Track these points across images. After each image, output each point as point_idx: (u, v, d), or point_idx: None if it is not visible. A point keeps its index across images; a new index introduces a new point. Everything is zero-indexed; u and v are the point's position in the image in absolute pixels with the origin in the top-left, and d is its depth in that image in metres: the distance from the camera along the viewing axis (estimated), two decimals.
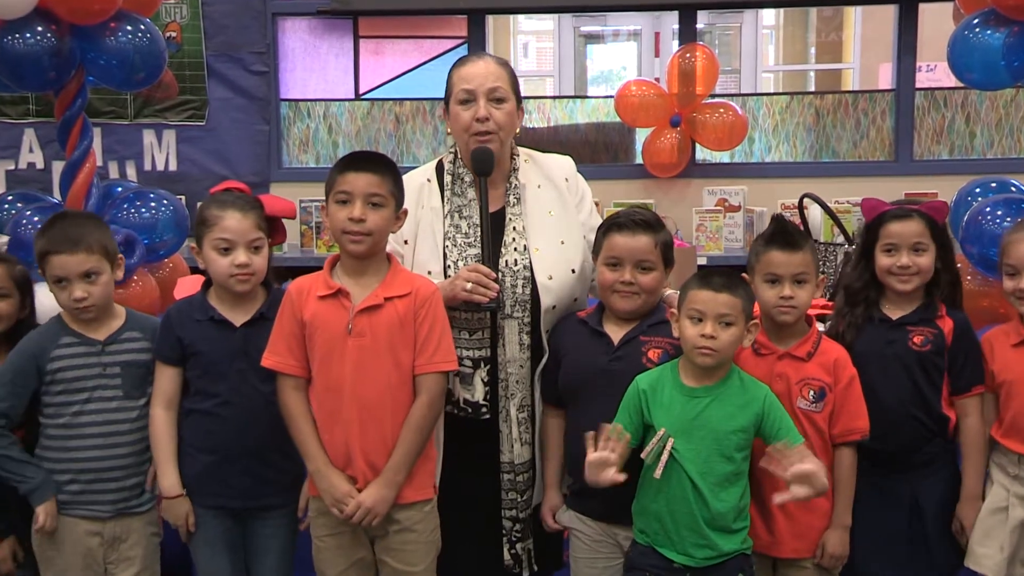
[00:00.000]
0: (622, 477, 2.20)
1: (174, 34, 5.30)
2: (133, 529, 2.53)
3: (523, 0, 5.89)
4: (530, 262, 2.54)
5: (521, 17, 9.65)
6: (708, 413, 2.25)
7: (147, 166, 5.43)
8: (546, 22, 10.05)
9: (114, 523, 2.51)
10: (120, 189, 3.84)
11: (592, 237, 2.54)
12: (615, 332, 2.43)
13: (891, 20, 5.44)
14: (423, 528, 2.38)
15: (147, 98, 5.34)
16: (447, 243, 2.55)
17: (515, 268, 2.52)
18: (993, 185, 3.43)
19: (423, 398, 2.33)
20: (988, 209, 3.22)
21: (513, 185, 2.60)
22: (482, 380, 2.50)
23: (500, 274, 2.47)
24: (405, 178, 2.47)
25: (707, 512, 2.23)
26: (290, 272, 3.57)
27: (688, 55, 5.23)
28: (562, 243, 2.58)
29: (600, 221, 2.56)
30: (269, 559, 2.53)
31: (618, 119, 5.37)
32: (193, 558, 2.55)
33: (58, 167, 4.73)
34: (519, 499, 2.54)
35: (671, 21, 6.85)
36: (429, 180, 2.64)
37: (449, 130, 2.64)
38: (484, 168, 2.51)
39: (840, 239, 3.89)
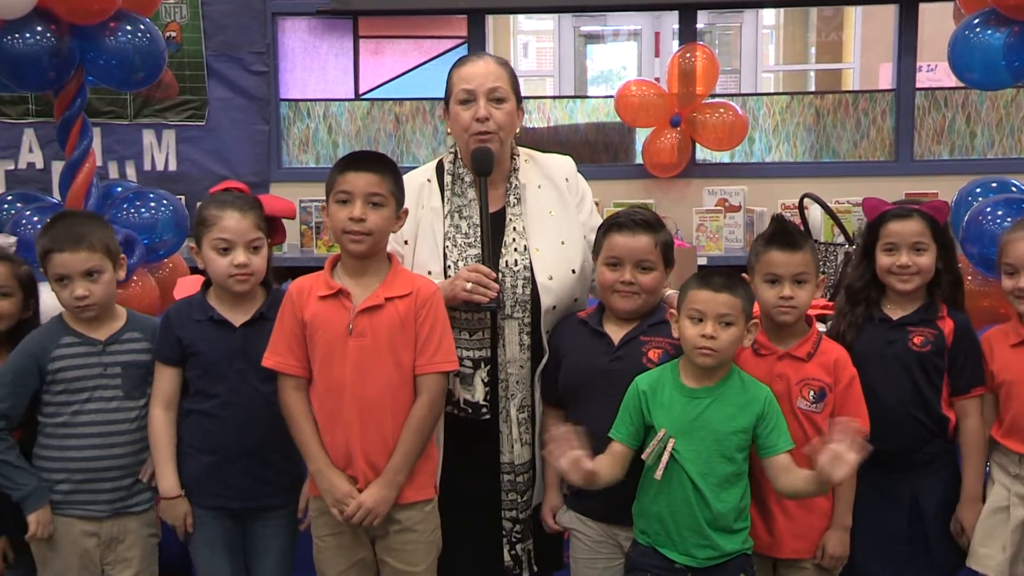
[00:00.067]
0: (590, 464, 2.19)
1: (174, 34, 5.30)
2: (130, 530, 2.53)
3: (523, 0, 5.89)
4: (530, 262, 2.53)
5: (521, 17, 9.65)
6: (708, 414, 2.25)
7: (147, 166, 5.43)
8: (546, 22, 10.05)
9: (111, 523, 2.51)
10: (120, 189, 3.84)
11: (592, 237, 2.53)
12: (615, 332, 2.43)
13: (891, 20, 5.44)
14: (424, 528, 2.38)
15: (147, 98, 5.34)
16: (447, 243, 2.55)
17: (515, 268, 2.52)
18: (994, 185, 3.42)
19: (424, 398, 2.33)
20: (988, 209, 3.22)
21: (513, 185, 2.60)
22: (482, 380, 2.50)
23: (500, 274, 2.47)
24: (405, 178, 2.47)
25: (709, 513, 2.23)
26: (290, 272, 3.58)
27: (688, 55, 5.23)
28: (562, 243, 2.58)
29: (600, 221, 2.56)
30: (269, 559, 2.53)
31: (618, 119, 5.37)
32: (193, 559, 2.54)
33: (58, 167, 4.73)
34: (519, 500, 2.54)
35: (671, 21, 6.85)
36: (429, 180, 2.63)
37: (449, 130, 2.64)
38: (484, 168, 2.51)
39: (840, 239, 3.89)
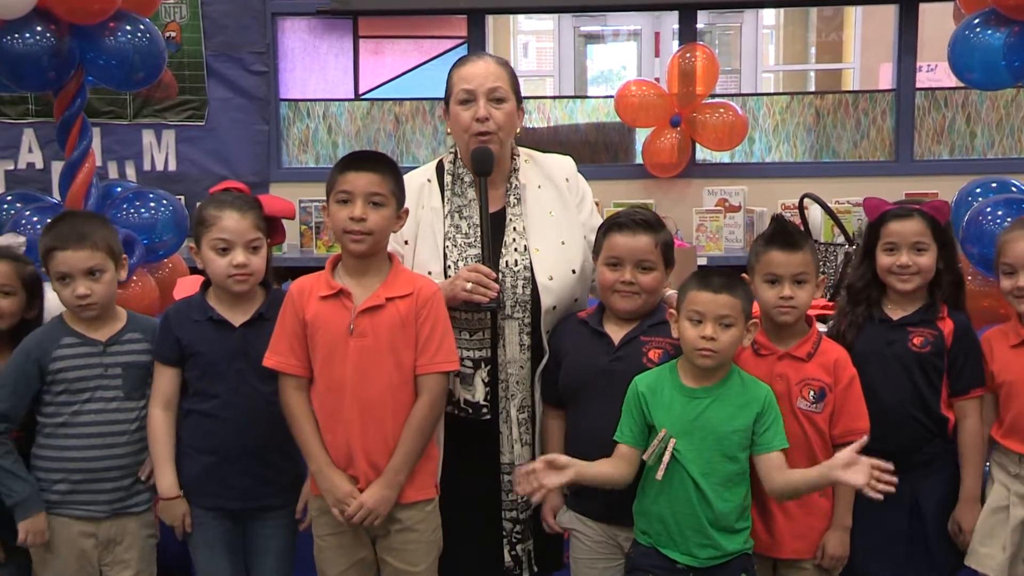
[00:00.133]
0: (560, 458, 2.22)
1: (174, 34, 5.30)
2: (128, 531, 2.52)
3: (523, 0, 5.89)
4: (530, 262, 2.53)
5: (521, 17, 9.65)
6: (709, 414, 2.25)
7: (146, 166, 5.43)
8: (546, 22, 10.05)
9: (109, 524, 2.50)
10: (119, 189, 3.84)
11: (593, 237, 2.53)
12: (615, 332, 2.43)
13: (891, 20, 5.44)
14: (424, 528, 2.38)
15: (146, 98, 5.34)
16: (447, 243, 2.55)
17: (515, 268, 2.52)
18: (994, 185, 3.42)
19: (424, 398, 2.33)
20: (989, 209, 3.22)
21: (513, 185, 2.60)
22: (482, 380, 2.50)
23: (500, 274, 2.46)
24: (405, 178, 2.47)
25: (711, 512, 2.23)
26: (290, 272, 3.58)
27: (688, 55, 5.23)
28: (562, 243, 2.58)
29: (600, 221, 2.56)
30: (269, 560, 2.53)
31: (618, 119, 5.38)
32: (193, 559, 2.54)
33: (57, 167, 4.72)
34: (519, 500, 2.53)
35: (671, 21, 6.85)
36: (429, 180, 2.63)
37: (449, 130, 2.64)
38: (484, 168, 2.50)
39: (840, 239, 3.89)
